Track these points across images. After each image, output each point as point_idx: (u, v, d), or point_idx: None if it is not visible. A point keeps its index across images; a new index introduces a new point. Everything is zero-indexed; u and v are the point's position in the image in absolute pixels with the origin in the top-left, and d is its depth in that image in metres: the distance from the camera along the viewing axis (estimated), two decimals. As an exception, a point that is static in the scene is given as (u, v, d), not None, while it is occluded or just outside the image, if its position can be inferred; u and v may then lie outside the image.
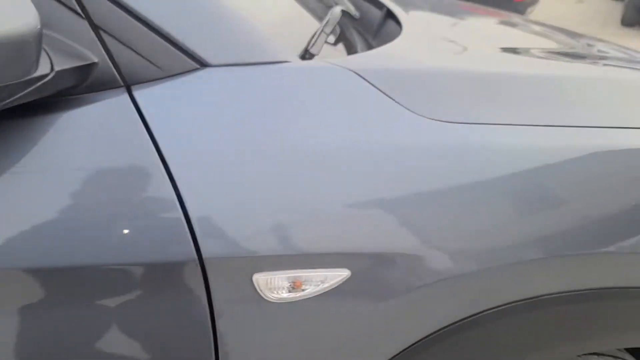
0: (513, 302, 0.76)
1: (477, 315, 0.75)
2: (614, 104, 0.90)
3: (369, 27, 1.24)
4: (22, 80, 0.55)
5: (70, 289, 0.64)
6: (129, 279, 0.65)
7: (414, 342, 0.74)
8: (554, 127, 0.80)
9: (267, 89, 0.70)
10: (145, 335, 0.68)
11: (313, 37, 0.87)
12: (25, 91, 0.57)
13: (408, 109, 0.74)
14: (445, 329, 0.74)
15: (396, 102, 0.74)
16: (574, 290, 0.79)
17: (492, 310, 0.76)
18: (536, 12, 6.20)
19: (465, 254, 0.72)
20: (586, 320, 0.83)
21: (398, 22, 1.10)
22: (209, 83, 0.68)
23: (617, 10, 7.46)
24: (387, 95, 0.74)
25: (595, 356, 0.98)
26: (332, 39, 1.02)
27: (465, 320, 0.75)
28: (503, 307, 0.76)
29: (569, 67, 1.09)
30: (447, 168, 0.73)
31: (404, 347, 0.74)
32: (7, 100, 0.56)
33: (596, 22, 7.37)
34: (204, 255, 0.65)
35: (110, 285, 0.65)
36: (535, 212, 0.75)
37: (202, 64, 0.68)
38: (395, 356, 0.74)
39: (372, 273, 0.70)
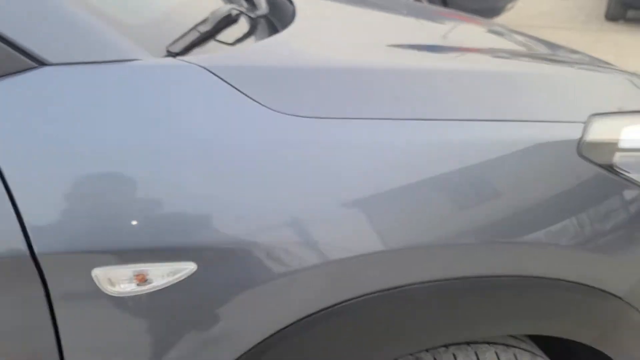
0: (375, 292, 0.77)
1: (335, 307, 0.76)
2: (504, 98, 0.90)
3: (285, 21, 1.24)
4: None
5: None
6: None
7: (266, 336, 0.74)
8: (417, 121, 0.81)
9: (106, 88, 0.70)
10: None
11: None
12: None
13: (262, 104, 0.75)
14: (300, 322, 0.75)
15: (250, 97, 0.75)
16: (447, 279, 0.80)
17: (350, 301, 0.76)
18: (522, 8, 6.20)
19: (309, 245, 0.72)
20: (457, 310, 0.84)
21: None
22: (46, 82, 0.68)
23: (601, 5, 7.45)
24: (240, 91, 0.75)
25: (487, 344, 0.99)
26: (237, 36, 1.02)
27: (321, 312, 0.75)
28: (363, 297, 0.76)
29: (464, 61, 1.10)
30: (298, 161, 0.73)
31: (258, 341, 0.74)
32: None
33: (580, 18, 7.36)
34: (36, 251, 0.65)
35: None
36: (395, 201, 0.75)
37: (40, 63, 0.69)
38: (249, 350, 0.75)
39: (220, 266, 0.71)
